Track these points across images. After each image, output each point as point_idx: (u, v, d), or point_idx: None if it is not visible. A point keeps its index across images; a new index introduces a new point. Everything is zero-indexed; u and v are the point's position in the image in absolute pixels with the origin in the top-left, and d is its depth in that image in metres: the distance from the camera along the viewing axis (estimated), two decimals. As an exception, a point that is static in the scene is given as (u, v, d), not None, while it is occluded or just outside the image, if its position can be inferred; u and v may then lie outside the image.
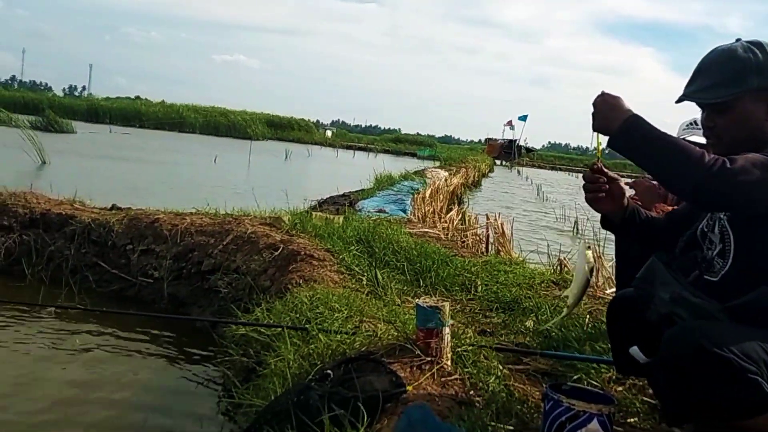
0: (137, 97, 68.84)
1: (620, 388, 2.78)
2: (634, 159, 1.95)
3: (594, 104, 2.04)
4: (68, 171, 14.53)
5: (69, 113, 42.95)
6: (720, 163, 1.80)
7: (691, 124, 3.44)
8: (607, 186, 2.25)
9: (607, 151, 2.20)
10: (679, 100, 2.13)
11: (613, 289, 3.24)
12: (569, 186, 33.41)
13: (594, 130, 2.08)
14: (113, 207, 7.09)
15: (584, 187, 2.27)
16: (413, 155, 47.24)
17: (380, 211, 8.48)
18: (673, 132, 3.38)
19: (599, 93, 2.06)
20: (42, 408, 3.75)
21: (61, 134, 29.67)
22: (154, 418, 3.78)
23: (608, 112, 2.00)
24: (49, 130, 28.87)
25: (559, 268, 5.58)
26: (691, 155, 1.83)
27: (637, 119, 1.95)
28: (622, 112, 1.97)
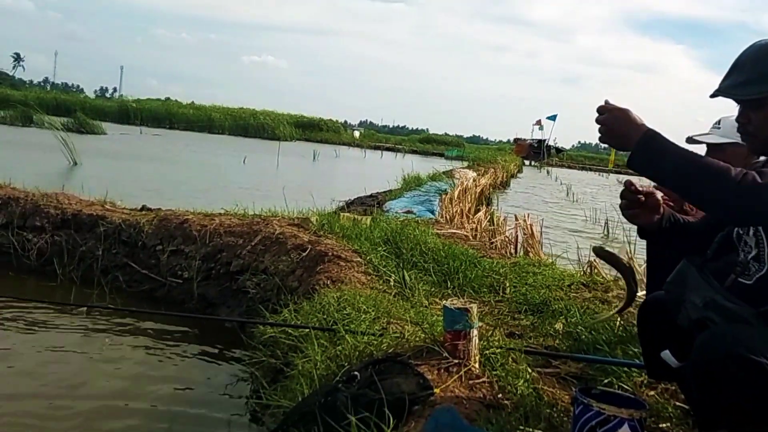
0: (167, 99, 69.55)
1: (652, 393, 2.75)
2: (657, 177, 1.90)
3: (603, 121, 1.95)
4: (99, 172, 14.74)
5: (100, 114, 43.63)
6: (750, 179, 1.75)
7: (716, 123, 3.37)
8: (644, 200, 2.22)
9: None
10: (713, 95, 2.08)
11: (644, 292, 3.20)
12: (599, 186, 33.06)
13: (611, 146, 2.01)
14: (143, 208, 7.17)
15: (621, 204, 2.24)
16: (441, 155, 47.08)
17: (408, 211, 8.48)
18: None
19: (603, 106, 1.97)
20: (69, 405, 3.81)
21: (92, 135, 30.16)
22: (182, 417, 3.82)
23: (623, 128, 1.92)
24: (81, 132, 29.33)
25: (589, 270, 5.51)
26: (719, 172, 1.78)
27: (655, 134, 1.88)
28: (637, 126, 1.90)
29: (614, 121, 1.94)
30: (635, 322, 2.64)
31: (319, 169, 26.44)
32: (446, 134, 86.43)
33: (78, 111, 36.58)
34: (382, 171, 21.97)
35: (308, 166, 27.09)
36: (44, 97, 52.26)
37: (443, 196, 11.07)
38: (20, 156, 16.81)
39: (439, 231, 6.62)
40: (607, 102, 1.99)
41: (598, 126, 1.97)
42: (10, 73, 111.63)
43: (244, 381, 4.20)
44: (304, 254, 5.34)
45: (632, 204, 2.20)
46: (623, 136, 1.92)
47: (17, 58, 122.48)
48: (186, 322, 5.31)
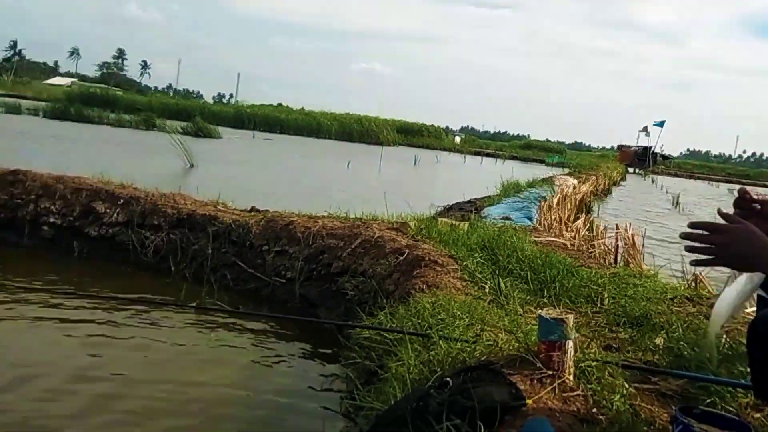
0: (279, 104, 71.51)
1: (758, 415, 2.56)
2: None
3: (722, 241, 1.71)
4: (213, 174, 15.32)
5: (217, 119, 45.27)
6: None
7: None
8: (759, 208, 2.05)
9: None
10: None
11: (754, 308, 2.99)
12: (709, 196, 31.46)
13: (728, 267, 1.77)
14: (252, 209, 7.35)
15: (735, 213, 2.08)
16: (542, 162, 46.11)
17: (506, 218, 8.33)
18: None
19: (716, 224, 1.74)
20: (169, 398, 3.97)
21: (209, 139, 31.39)
22: (278, 412, 3.90)
23: (752, 248, 1.68)
24: (198, 136, 30.62)
25: (694, 283, 5.23)
26: None
27: None
28: None
29: (738, 241, 1.72)
30: (743, 339, 2.47)
31: (420, 174, 26.47)
32: (548, 140, 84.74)
33: (197, 116, 38.09)
34: (481, 177, 21.78)
35: (409, 171, 27.17)
36: (167, 102, 54.81)
37: (542, 203, 10.82)
38: (142, 158, 17.74)
39: (536, 238, 6.46)
40: (722, 213, 1.78)
41: (708, 246, 1.74)
42: (138, 80, 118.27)
43: (340, 381, 4.24)
44: (402, 258, 5.34)
45: (747, 213, 2.05)
46: (753, 257, 1.70)
47: (144, 65, 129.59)
48: (287, 321, 5.42)
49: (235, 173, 16.94)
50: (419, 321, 3.59)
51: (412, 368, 3.00)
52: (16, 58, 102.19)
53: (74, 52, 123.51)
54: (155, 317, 5.31)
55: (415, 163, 31.11)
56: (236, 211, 7.21)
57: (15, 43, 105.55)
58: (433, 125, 66.44)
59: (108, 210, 7.04)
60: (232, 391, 4.15)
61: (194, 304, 5.44)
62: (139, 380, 4.16)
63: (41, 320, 5.00)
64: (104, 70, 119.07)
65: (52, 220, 7.07)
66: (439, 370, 2.90)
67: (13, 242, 7.03)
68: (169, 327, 5.18)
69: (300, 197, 12.05)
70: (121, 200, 7.12)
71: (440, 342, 3.17)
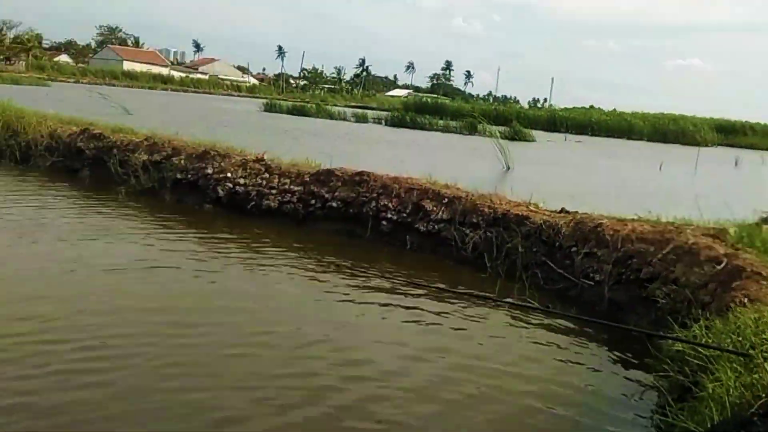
0: (591, 107, 68.77)
1: None
2: None
3: None
4: (526, 175, 15.27)
5: (532, 123, 45.01)
6: None
7: None
8: None
9: None
10: None
11: None
12: None
13: None
14: (562, 210, 7.15)
15: None
16: None
17: None
18: None
19: None
20: (487, 384, 4.04)
21: (524, 142, 31.43)
22: (587, 414, 3.73)
23: None
24: (515, 139, 30.78)
25: None
26: None
27: None
28: None
29: None
30: None
31: (741, 177, 23.36)
32: None
33: (514, 120, 38.30)
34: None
35: (728, 173, 24.12)
36: (486, 108, 56.08)
37: None
38: (465, 160, 18.43)
39: None
40: None
41: None
42: (462, 89, 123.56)
43: (649, 391, 3.91)
44: (719, 268, 4.75)
45: None
46: None
47: (468, 75, 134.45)
48: (595, 324, 5.18)
49: (546, 175, 16.71)
50: (739, 339, 3.16)
51: (731, 390, 2.64)
52: (364, 74, 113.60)
53: (410, 66, 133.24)
54: (474, 309, 5.48)
55: (736, 165, 27.56)
56: (546, 212, 7.08)
57: (363, 61, 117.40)
58: (758, 123, 58.04)
59: (434, 208, 7.42)
60: (543, 385, 4.11)
61: (509, 300, 5.47)
62: (461, 366, 4.35)
63: (382, 305, 5.48)
64: (434, 81, 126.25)
65: (389, 216, 7.67)
66: (763, 396, 2.50)
67: (357, 234, 7.78)
68: (486, 320, 5.32)
69: (609, 199, 11.43)
70: (445, 199, 7.45)
71: (765, 365, 2.74)
